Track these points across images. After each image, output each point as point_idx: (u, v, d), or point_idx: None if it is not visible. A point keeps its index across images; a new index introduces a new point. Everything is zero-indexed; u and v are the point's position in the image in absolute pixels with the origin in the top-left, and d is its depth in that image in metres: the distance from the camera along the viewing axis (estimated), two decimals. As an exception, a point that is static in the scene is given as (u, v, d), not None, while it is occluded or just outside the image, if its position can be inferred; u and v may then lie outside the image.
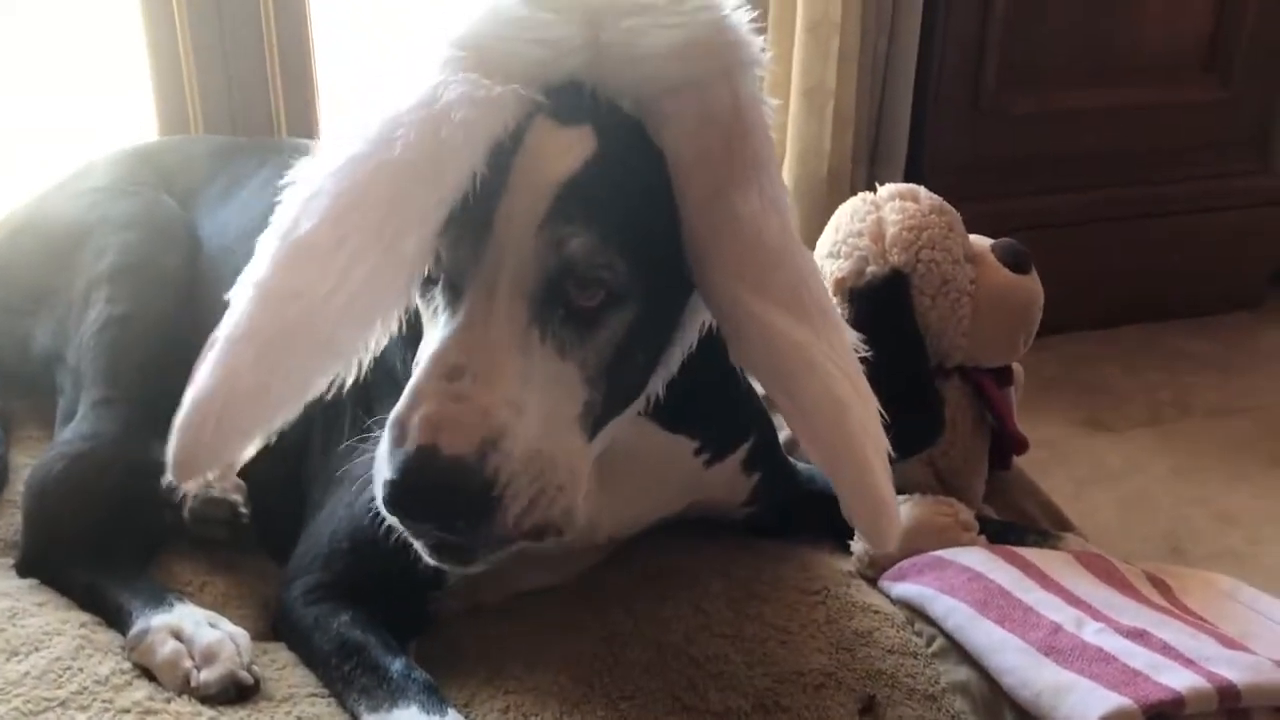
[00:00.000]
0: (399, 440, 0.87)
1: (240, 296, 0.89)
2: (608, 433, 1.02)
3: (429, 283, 0.94)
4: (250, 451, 0.92)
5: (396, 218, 0.87)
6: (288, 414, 0.89)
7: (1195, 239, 2.24)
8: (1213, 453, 1.81)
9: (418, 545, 0.95)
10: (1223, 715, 0.96)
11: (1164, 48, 2.12)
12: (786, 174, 1.95)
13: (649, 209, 0.94)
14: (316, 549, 1.19)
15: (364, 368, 0.99)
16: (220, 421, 0.87)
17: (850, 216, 1.32)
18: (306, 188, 0.90)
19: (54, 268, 1.44)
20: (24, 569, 1.24)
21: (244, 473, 1.31)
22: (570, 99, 0.94)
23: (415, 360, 0.94)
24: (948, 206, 1.34)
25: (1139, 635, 1.03)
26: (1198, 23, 2.12)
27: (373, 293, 0.88)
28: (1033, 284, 1.35)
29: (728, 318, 0.96)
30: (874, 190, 1.36)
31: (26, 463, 1.36)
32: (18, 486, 1.32)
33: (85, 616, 1.17)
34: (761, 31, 1.01)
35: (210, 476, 1.30)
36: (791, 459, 1.40)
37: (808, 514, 1.35)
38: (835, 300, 1.26)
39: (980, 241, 1.36)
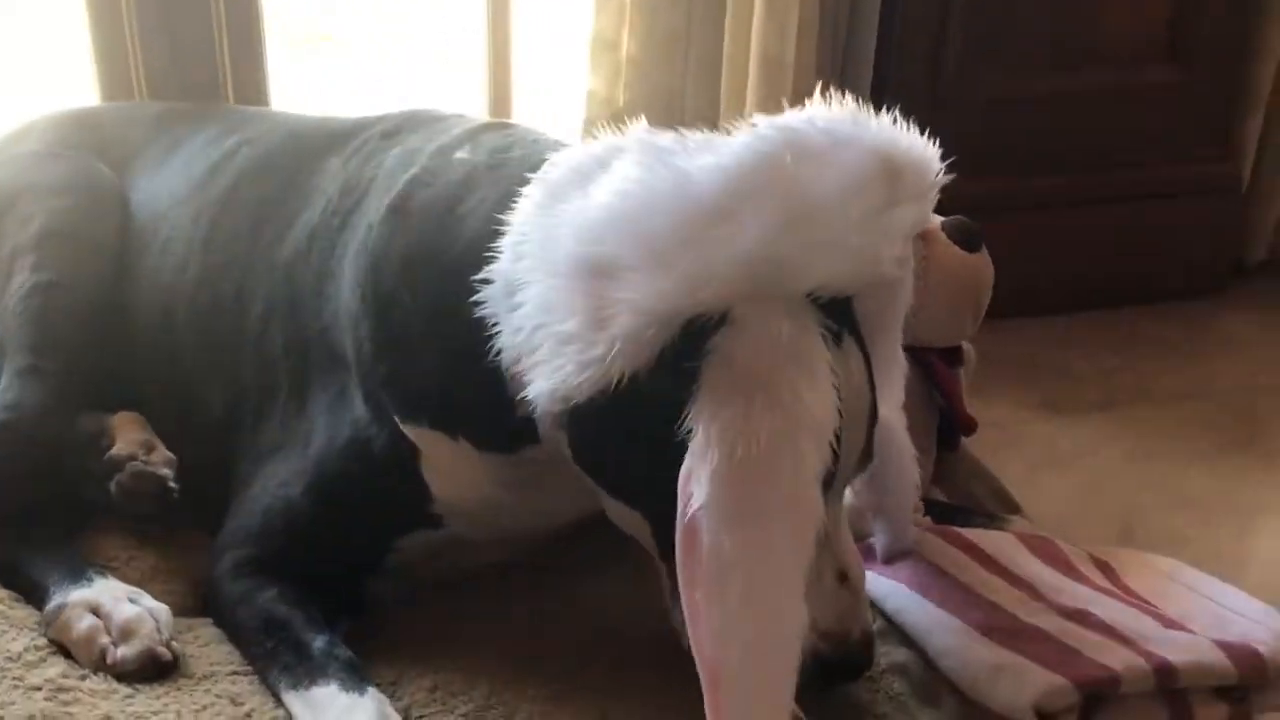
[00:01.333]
0: (839, 641, 0.95)
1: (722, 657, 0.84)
2: None
3: None
4: None
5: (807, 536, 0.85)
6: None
7: (1157, 226, 2.23)
8: (1168, 437, 1.80)
9: None
10: (1159, 695, 0.95)
11: (1125, 33, 2.09)
12: (744, 151, 1.92)
13: None
14: (248, 524, 1.16)
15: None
16: None
17: (798, 191, 1.28)
18: (717, 524, 0.83)
19: (-19, 233, 1.40)
20: (-60, 544, 1.20)
21: (175, 446, 1.29)
22: (828, 310, 0.90)
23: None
24: (897, 181, 1.31)
25: (1079, 615, 1.01)
26: (1159, 8, 2.10)
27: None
28: (982, 262, 1.33)
29: None
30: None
31: (-48, 435, 1.31)
32: (-60, 459, 1.28)
33: (3, 592, 1.14)
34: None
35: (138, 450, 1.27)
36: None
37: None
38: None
39: (930, 219, 1.33)
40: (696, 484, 0.83)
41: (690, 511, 0.83)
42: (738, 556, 0.82)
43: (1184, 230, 2.24)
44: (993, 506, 1.36)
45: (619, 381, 0.86)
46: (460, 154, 1.14)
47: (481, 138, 1.17)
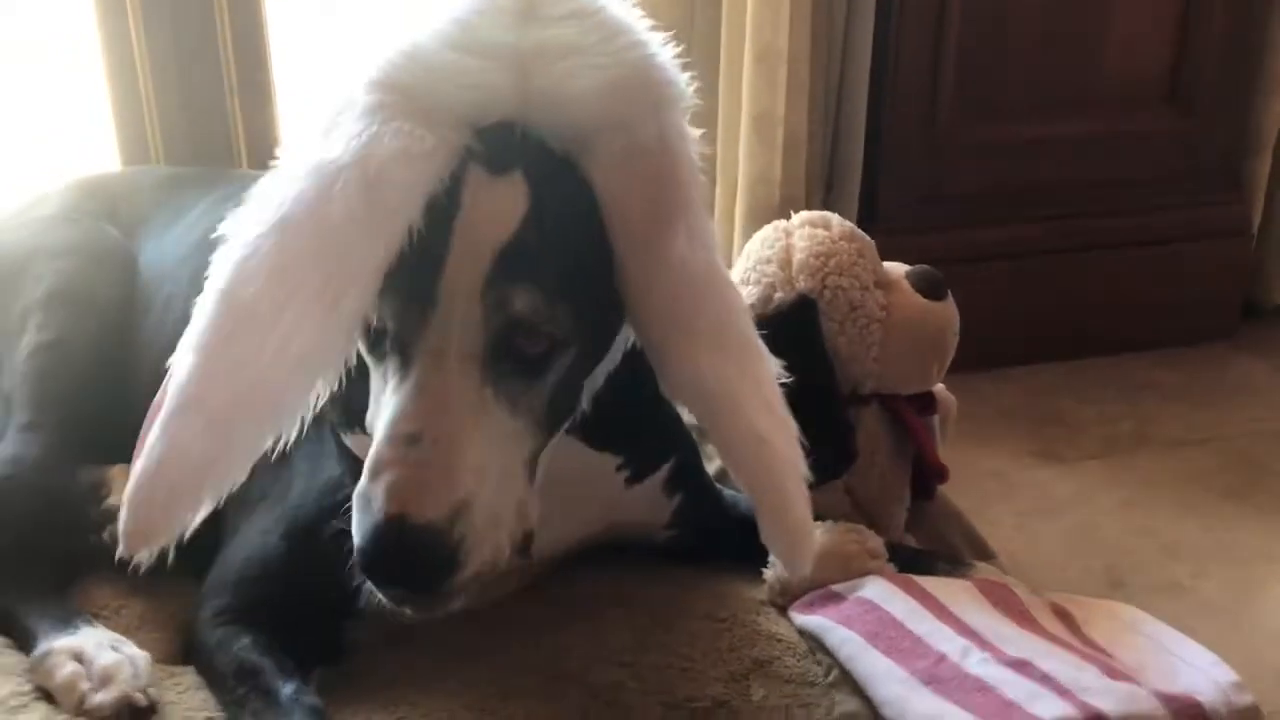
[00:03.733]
0: (365, 509, 0.87)
1: (182, 363, 0.90)
2: (543, 460, 1.03)
3: (378, 336, 0.93)
4: (201, 517, 0.91)
5: (335, 280, 0.87)
6: (237, 478, 0.90)
7: (1165, 270, 2.23)
8: (1166, 485, 1.79)
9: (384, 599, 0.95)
10: (1093, 744, 0.95)
11: (1125, 77, 2.11)
12: (738, 203, 1.95)
13: (584, 252, 0.95)
14: (229, 573, 1.20)
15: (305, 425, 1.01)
16: (171, 493, 0.88)
17: (761, 244, 1.32)
18: (241, 248, 0.89)
19: (-2, 294, 1.47)
20: (-57, 594, 1.25)
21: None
22: (501, 142, 0.93)
23: (370, 424, 0.95)
24: (859, 233, 1.33)
25: (1021, 665, 1.02)
26: (1159, 52, 2.11)
27: (315, 355, 0.89)
28: (946, 310, 1.34)
29: (657, 352, 0.99)
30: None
31: (-34, 488, 1.37)
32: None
33: (-3, 639, 1.19)
34: (688, 66, 1.01)
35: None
36: (719, 485, 1.41)
37: (729, 540, 1.34)
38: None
39: (895, 269, 1.36)
40: None
41: None
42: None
43: (1194, 274, 2.24)
44: (965, 552, 1.36)
45: None
46: None
47: None
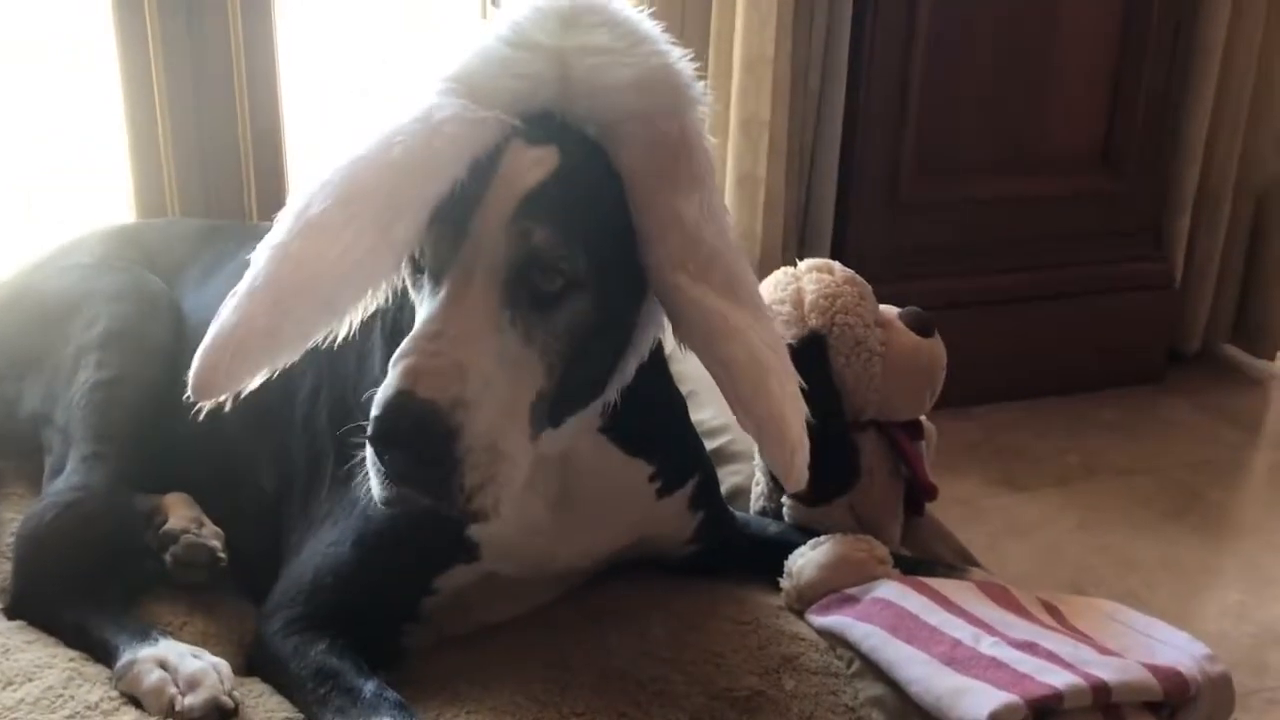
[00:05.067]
0: (385, 387, 1.01)
1: (260, 256, 1.05)
2: (563, 435, 1.14)
3: (417, 272, 1.10)
4: (257, 382, 1.05)
5: (392, 208, 1.04)
6: (291, 356, 1.05)
7: (1100, 319, 2.45)
8: (1116, 508, 1.98)
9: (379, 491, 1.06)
10: (1098, 710, 1.11)
11: (1063, 145, 2.34)
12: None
13: (605, 215, 1.10)
14: (299, 585, 1.27)
15: (353, 327, 1.11)
16: (237, 354, 1.03)
17: (774, 287, 1.47)
18: (319, 176, 1.07)
19: (44, 335, 1.54)
20: (12, 612, 1.32)
21: (223, 523, 1.42)
22: (542, 125, 1.11)
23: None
24: (859, 278, 1.50)
25: (1028, 646, 1.17)
26: (1093, 122, 2.35)
27: (369, 266, 1.05)
28: (936, 346, 1.51)
29: (671, 302, 1.12)
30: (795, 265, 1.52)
31: (12, 517, 1.43)
32: (3, 538, 1.41)
33: (73, 653, 1.25)
34: (702, 78, 1.17)
35: (194, 519, 1.41)
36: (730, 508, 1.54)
37: (743, 557, 1.46)
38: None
39: (889, 310, 1.52)
40: None
41: None
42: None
43: (1125, 323, 2.46)
44: (954, 562, 1.51)
45: None
46: None
47: None
